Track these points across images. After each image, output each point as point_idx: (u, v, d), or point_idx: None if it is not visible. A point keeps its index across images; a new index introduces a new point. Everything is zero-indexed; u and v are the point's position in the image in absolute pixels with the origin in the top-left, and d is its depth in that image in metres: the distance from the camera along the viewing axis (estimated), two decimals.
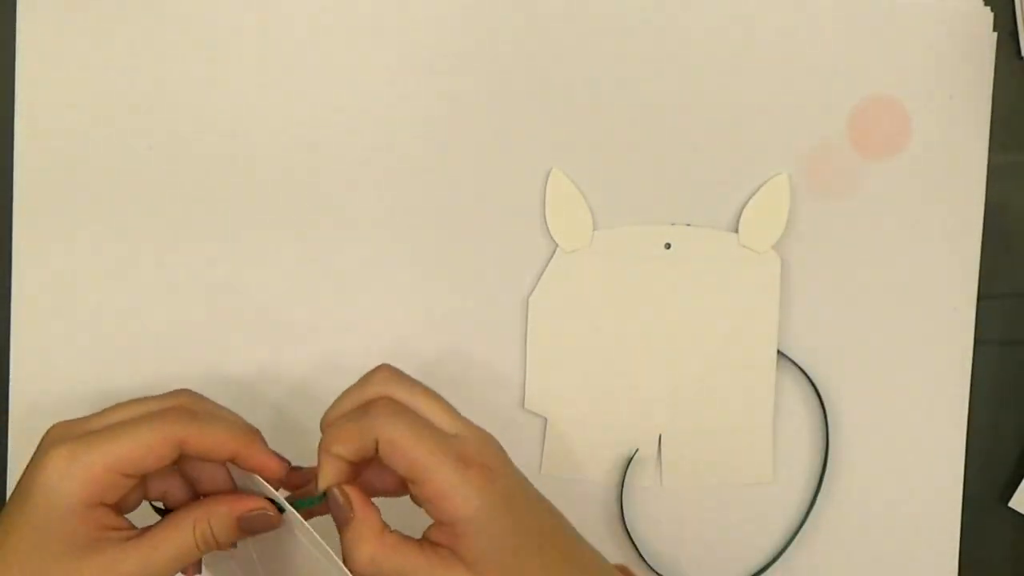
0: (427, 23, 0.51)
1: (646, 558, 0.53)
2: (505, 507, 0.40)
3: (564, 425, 0.52)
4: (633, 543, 0.53)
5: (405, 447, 0.39)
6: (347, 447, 0.41)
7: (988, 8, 0.52)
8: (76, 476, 0.39)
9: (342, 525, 0.41)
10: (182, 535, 0.40)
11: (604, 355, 0.52)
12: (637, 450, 0.53)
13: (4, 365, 0.51)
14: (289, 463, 0.42)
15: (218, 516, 0.41)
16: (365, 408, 0.41)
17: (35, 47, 0.51)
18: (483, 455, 0.41)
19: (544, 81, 0.52)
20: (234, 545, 0.42)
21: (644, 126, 0.52)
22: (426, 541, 0.41)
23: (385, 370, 0.43)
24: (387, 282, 0.52)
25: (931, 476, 0.53)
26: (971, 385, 0.53)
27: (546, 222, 0.52)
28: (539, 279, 0.52)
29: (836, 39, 0.52)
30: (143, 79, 0.51)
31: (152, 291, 0.51)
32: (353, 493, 0.41)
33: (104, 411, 0.42)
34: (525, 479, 0.43)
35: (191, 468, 0.42)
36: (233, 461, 0.41)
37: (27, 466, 0.40)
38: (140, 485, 0.41)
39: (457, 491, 0.39)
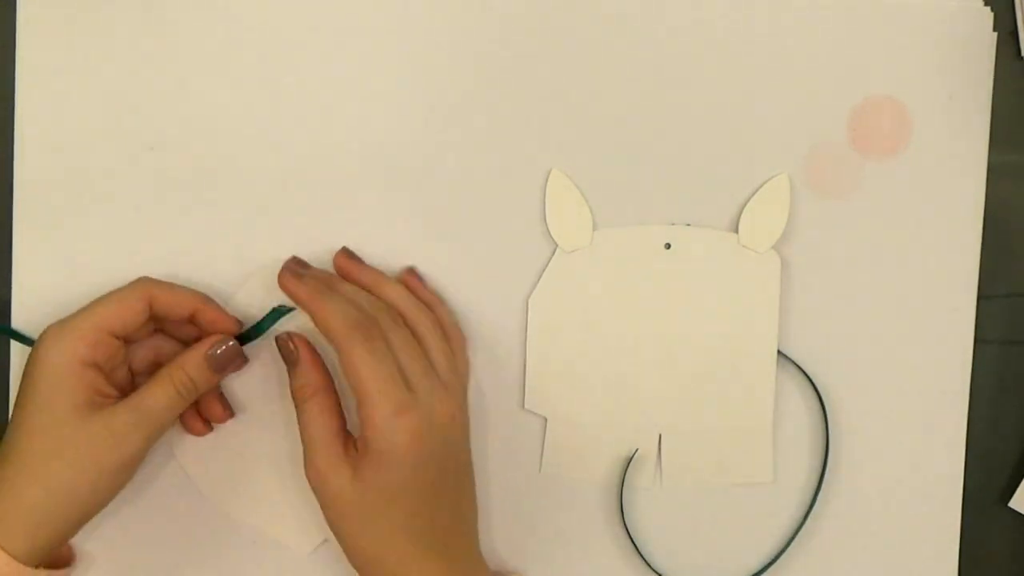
0: (427, 23, 0.51)
1: (646, 558, 0.53)
2: (414, 462, 0.44)
3: (564, 425, 0.52)
4: (633, 543, 0.53)
5: (358, 366, 0.44)
6: (317, 318, 0.46)
7: (988, 8, 0.52)
8: (68, 340, 0.45)
9: (289, 366, 0.48)
10: (163, 388, 0.46)
11: (604, 355, 0.52)
12: (637, 450, 0.53)
13: (4, 365, 0.51)
14: (241, 322, 0.49)
15: (189, 360, 0.47)
16: (349, 314, 0.46)
17: (35, 47, 0.51)
18: (422, 420, 0.45)
19: (544, 81, 0.52)
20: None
21: (644, 126, 0.52)
22: (352, 434, 0.46)
23: (413, 277, 0.51)
24: None
25: (931, 476, 0.53)
26: (971, 385, 0.53)
27: (546, 222, 0.52)
28: (539, 279, 0.52)
29: (836, 39, 0.52)
30: (143, 79, 0.51)
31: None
32: (304, 348, 0.47)
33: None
34: (451, 466, 0.46)
35: (164, 345, 0.49)
36: (193, 317, 0.48)
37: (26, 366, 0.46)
38: (124, 356, 0.48)
39: (384, 425, 0.44)
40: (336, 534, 0.46)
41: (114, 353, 0.47)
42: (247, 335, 0.49)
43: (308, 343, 0.48)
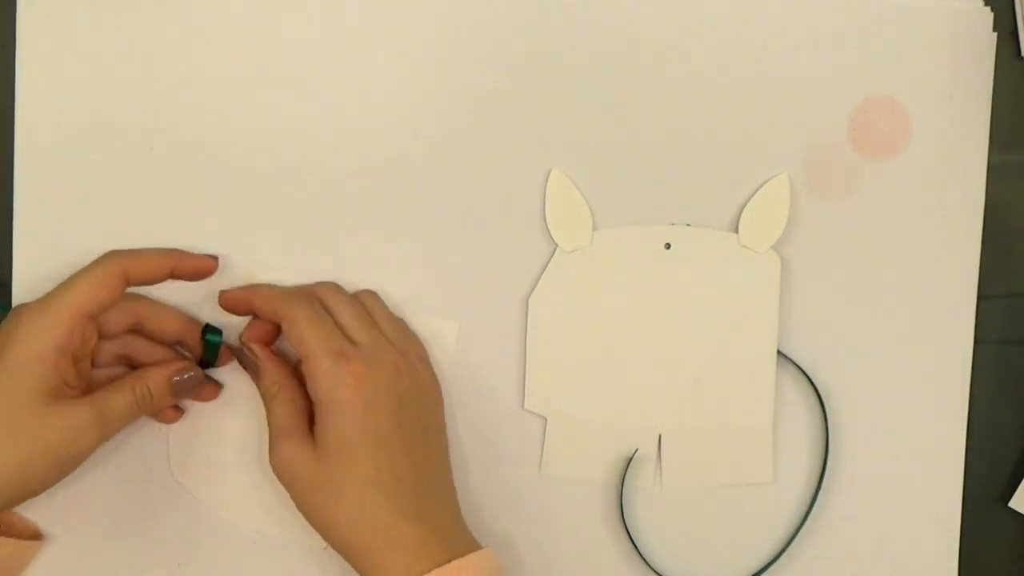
0: (426, 23, 0.51)
1: (646, 558, 0.53)
2: (363, 408, 0.45)
3: (564, 425, 0.52)
4: (633, 543, 0.53)
5: (299, 328, 0.46)
6: (260, 301, 0.48)
7: (988, 8, 0.52)
8: (47, 326, 0.45)
9: (253, 374, 0.49)
10: (123, 394, 0.47)
11: (604, 355, 0.52)
12: (637, 450, 0.53)
13: None
14: (217, 257, 0.50)
15: (154, 377, 0.48)
16: (291, 292, 0.49)
17: (35, 47, 0.51)
18: (368, 360, 0.46)
19: (544, 81, 0.52)
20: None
21: (644, 126, 0.52)
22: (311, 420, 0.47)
23: (329, 283, 0.50)
24: (387, 282, 0.52)
25: (931, 476, 0.53)
26: (971, 385, 0.53)
27: (546, 222, 0.52)
28: (539, 279, 0.52)
29: (836, 39, 0.52)
30: (143, 79, 0.51)
31: (152, 291, 0.51)
32: (260, 349, 0.48)
33: None
34: (408, 414, 0.47)
35: (136, 350, 0.50)
36: (173, 274, 0.49)
37: None
38: (93, 347, 0.48)
39: (327, 377, 0.45)
40: (307, 515, 0.46)
41: (88, 339, 0.47)
42: (203, 363, 0.50)
43: (263, 346, 0.49)
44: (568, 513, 0.53)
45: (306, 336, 0.46)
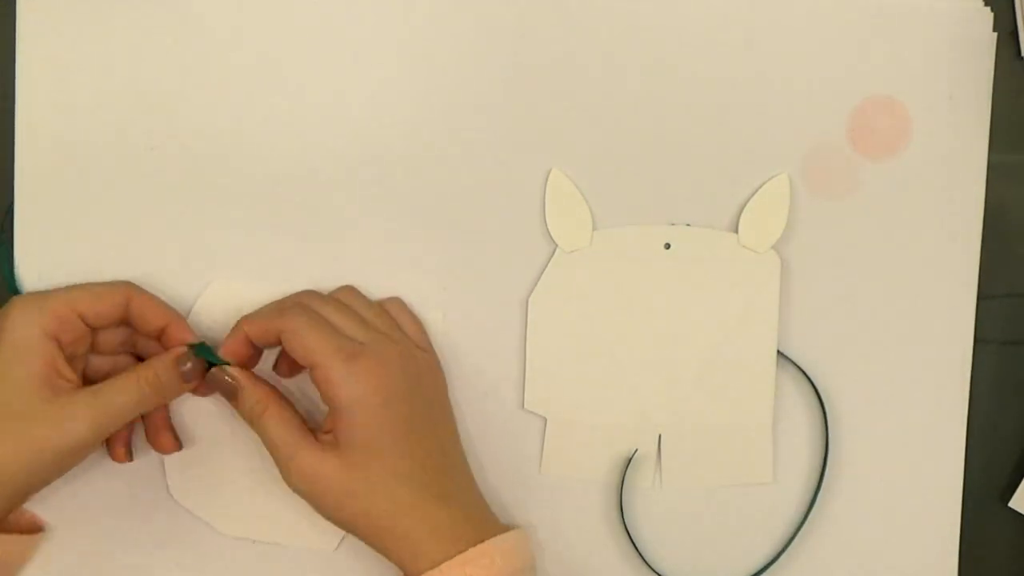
0: (427, 23, 0.51)
1: (646, 558, 0.53)
2: (382, 402, 0.45)
3: (564, 425, 0.52)
4: (633, 543, 0.53)
5: (302, 336, 0.45)
6: (253, 327, 0.47)
7: (988, 8, 0.52)
8: (35, 311, 0.45)
9: (231, 397, 0.47)
10: (128, 384, 0.46)
11: (604, 355, 0.52)
12: (637, 450, 0.53)
13: None
14: (203, 343, 0.49)
15: (161, 362, 0.47)
16: (280, 306, 0.48)
17: (35, 47, 0.51)
18: (375, 355, 0.46)
19: (544, 81, 0.52)
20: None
21: (644, 126, 0.52)
22: (317, 429, 0.47)
23: (306, 291, 0.50)
24: (386, 282, 0.52)
25: (931, 476, 0.53)
26: (971, 385, 0.53)
27: (546, 222, 0.52)
28: (539, 279, 0.52)
29: (836, 39, 0.52)
30: (143, 79, 0.51)
31: (153, 291, 0.51)
32: (239, 372, 0.47)
33: None
34: (420, 402, 0.47)
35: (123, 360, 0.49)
36: (163, 332, 0.48)
37: None
38: (87, 350, 0.48)
39: (342, 379, 0.45)
40: (335, 517, 0.46)
41: (79, 338, 0.47)
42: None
43: (240, 368, 0.48)
44: (568, 513, 0.53)
45: (309, 343, 0.45)
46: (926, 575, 0.54)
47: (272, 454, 0.46)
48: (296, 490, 0.46)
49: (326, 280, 0.51)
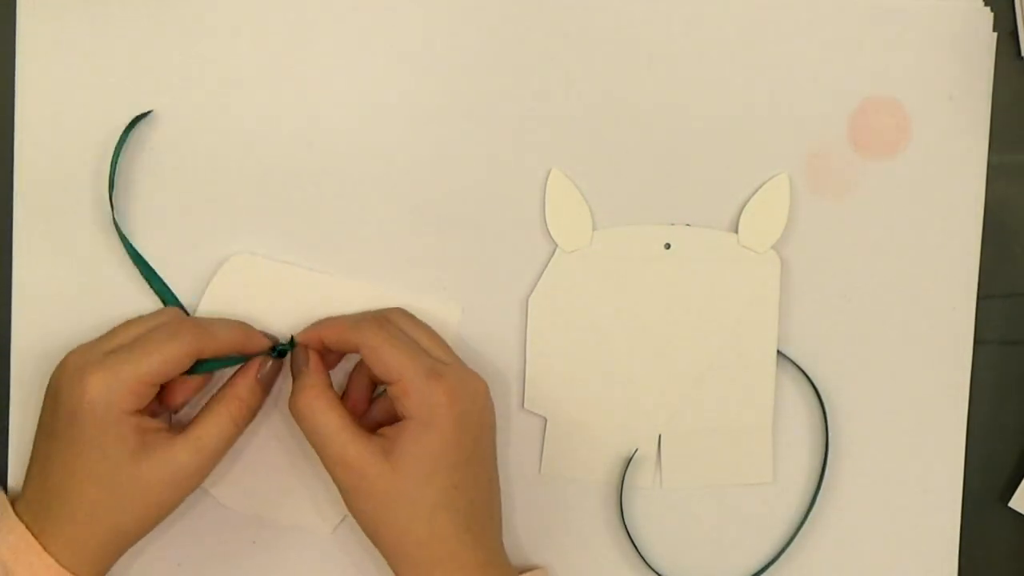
0: (427, 23, 0.51)
1: (646, 558, 0.53)
2: (454, 425, 0.44)
3: (564, 425, 0.52)
4: (633, 543, 0.53)
5: (382, 351, 0.45)
6: (329, 333, 0.48)
7: (988, 8, 0.52)
8: (117, 390, 0.44)
9: (295, 375, 0.48)
10: (220, 420, 0.46)
11: (604, 355, 0.52)
12: (637, 450, 0.53)
13: (5, 364, 0.51)
14: (278, 340, 0.49)
15: (242, 387, 0.47)
16: (358, 320, 0.48)
17: (35, 47, 0.51)
18: (457, 382, 0.45)
19: (544, 81, 0.52)
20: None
21: (644, 126, 0.52)
22: (371, 429, 0.46)
23: (397, 309, 0.50)
24: (386, 282, 0.52)
25: (931, 476, 0.53)
26: (971, 385, 0.53)
27: (546, 222, 0.52)
28: (539, 279, 0.52)
29: (836, 39, 0.52)
30: (143, 80, 0.51)
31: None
32: (313, 355, 0.48)
33: (110, 333, 0.48)
34: (485, 439, 0.47)
35: None
36: (238, 351, 0.48)
37: (53, 394, 0.46)
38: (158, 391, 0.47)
39: (420, 393, 0.44)
40: (363, 522, 0.45)
41: (151, 398, 0.46)
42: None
43: (320, 362, 0.48)
44: (568, 513, 0.53)
45: (390, 357, 0.45)
46: (926, 575, 0.54)
47: (315, 442, 0.45)
48: (340, 480, 0.45)
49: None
